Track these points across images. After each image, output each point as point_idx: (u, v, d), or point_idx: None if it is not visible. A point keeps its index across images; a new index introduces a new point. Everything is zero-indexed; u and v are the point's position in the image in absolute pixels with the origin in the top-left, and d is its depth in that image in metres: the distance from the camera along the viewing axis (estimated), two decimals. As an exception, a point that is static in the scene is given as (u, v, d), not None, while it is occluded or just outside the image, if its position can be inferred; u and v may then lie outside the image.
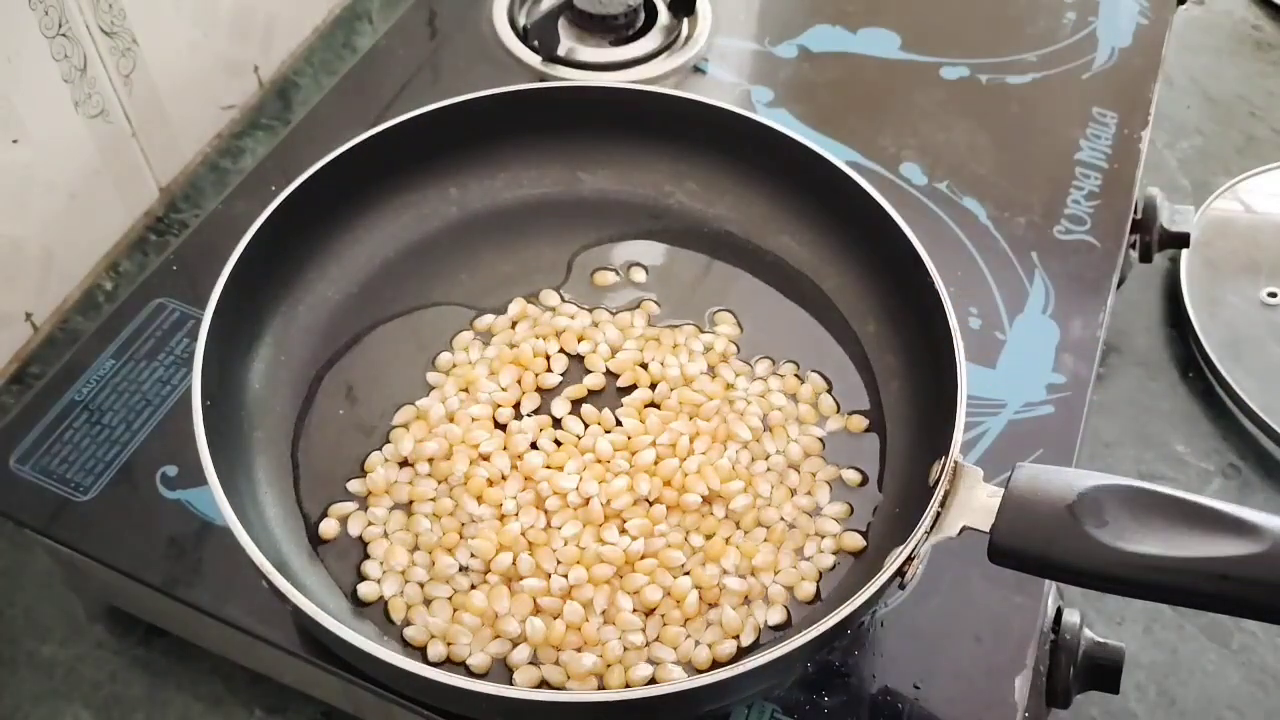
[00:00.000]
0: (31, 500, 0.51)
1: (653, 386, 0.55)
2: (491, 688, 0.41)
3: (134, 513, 0.50)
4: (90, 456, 0.52)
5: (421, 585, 0.48)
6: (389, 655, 0.41)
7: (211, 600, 0.48)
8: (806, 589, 0.49)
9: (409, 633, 0.47)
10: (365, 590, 0.48)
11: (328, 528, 0.50)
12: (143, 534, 0.50)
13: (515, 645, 0.47)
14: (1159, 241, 0.67)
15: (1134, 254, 0.68)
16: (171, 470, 0.52)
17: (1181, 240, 0.67)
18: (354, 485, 0.51)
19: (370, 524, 0.50)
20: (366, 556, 0.49)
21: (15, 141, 0.59)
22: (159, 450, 0.52)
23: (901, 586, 0.45)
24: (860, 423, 0.54)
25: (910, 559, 0.44)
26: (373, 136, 0.56)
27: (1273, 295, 0.70)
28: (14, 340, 0.63)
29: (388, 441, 0.53)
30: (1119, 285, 0.64)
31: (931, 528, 0.44)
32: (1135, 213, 0.66)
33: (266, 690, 0.53)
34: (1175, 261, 0.72)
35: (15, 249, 0.61)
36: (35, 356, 0.64)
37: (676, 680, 0.45)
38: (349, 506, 0.51)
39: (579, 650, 0.47)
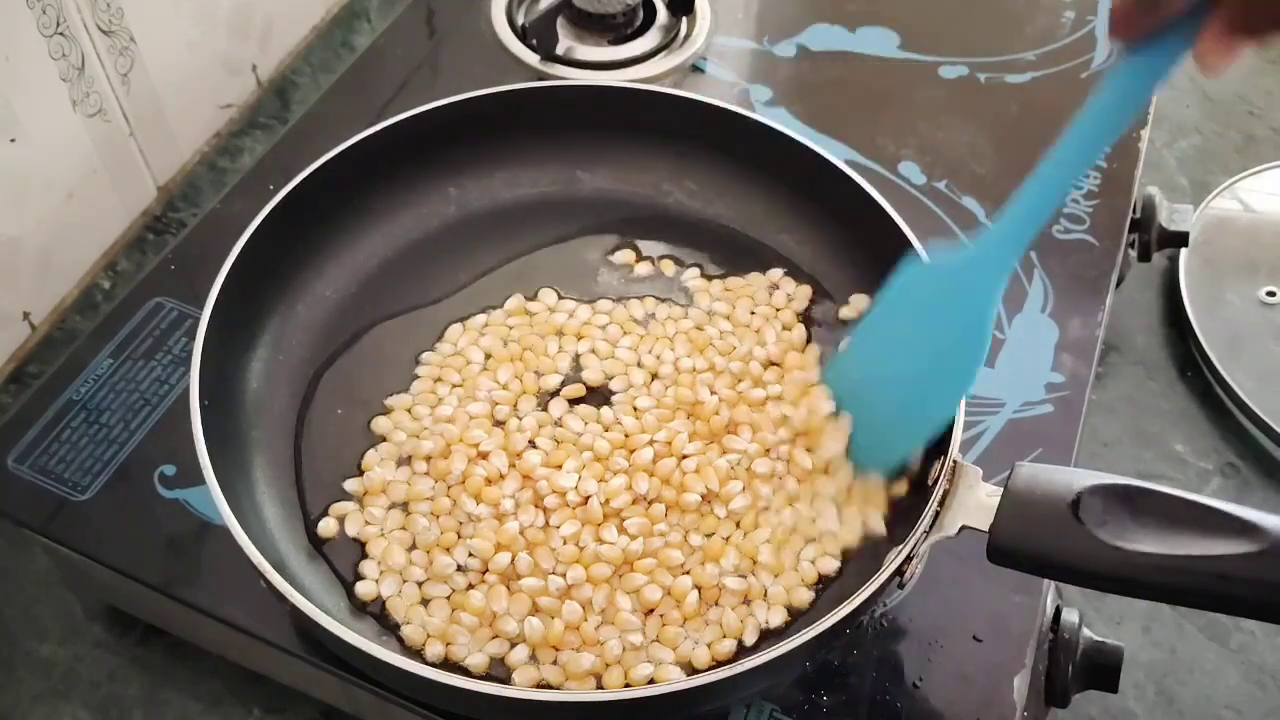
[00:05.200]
0: (30, 500, 0.50)
1: (651, 384, 0.55)
2: (490, 688, 0.41)
3: (132, 512, 0.50)
4: (88, 456, 0.52)
5: (420, 585, 0.48)
6: (387, 655, 0.41)
7: (210, 600, 0.48)
8: (806, 589, 0.49)
9: (407, 632, 0.47)
10: (363, 590, 0.48)
11: (326, 527, 0.50)
12: (141, 533, 0.50)
13: (514, 645, 0.47)
14: (1158, 241, 0.67)
15: (1133, 253, 0.68)
16: (170, 470, 0.52)
17: (1180, 239, 0.67)
18: (351, 484, 0.51)
19: (368, 523, 0.50)
20: (365, 556, 0.49)
21: (13, 141, 0.59)
22: (157, 450, 0.52)
23: (901, 586, 0.45)
24: (859, 422, 0.54)
25: (909, 558, 0.44)
26: (371, 136, 0.56)
27: (1271, 294, 0.70)
28: (12, 339, 0.63)
29: (385, 440, 0.53)
30: (1118, 284, 0.63)
31: (930, 527, 0.44)
32: (1134, 212, 0.66)
33: (266, 690, 0.53)
34: (1174, 261, 0.72)
35: (13, 248, 0.61)
36: (33, 356, 0.63)
37: (676, 680, 0.45)
38: (347, 506, 0.51)
39: (578, 650, 0.46)
